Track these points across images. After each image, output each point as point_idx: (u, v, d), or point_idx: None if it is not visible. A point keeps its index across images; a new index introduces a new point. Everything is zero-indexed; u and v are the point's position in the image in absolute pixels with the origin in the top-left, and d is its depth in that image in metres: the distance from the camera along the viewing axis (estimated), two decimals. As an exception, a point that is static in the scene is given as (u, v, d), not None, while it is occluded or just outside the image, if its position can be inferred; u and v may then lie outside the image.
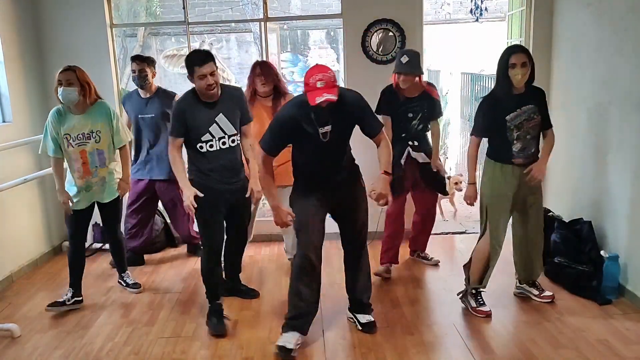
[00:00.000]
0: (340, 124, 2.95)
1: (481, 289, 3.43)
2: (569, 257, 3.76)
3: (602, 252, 3.64)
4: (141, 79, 4.11)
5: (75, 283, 3.69)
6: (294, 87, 10.18)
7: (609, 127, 3.70)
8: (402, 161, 3.86)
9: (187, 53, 3.27)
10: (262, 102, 3.94)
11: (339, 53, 9.73)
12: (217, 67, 3.18)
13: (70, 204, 3.53)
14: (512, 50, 3.21)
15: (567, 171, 4.32)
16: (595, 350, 2.93)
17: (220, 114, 3.23)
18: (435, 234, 4.88)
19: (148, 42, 9.90)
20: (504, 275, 3.73)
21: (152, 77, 4.14)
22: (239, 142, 3.35)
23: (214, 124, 3.22)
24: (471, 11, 6.30)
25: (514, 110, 3.22)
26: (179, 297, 3.83)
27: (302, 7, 9.76)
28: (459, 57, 10.44)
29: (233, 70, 10.03)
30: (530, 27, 4.57)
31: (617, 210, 3.61)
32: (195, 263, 4.47)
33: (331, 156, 3.05)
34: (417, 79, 3.76)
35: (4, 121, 4.31)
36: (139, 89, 4.21)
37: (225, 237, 3.46)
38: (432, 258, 4.25)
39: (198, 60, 3.11)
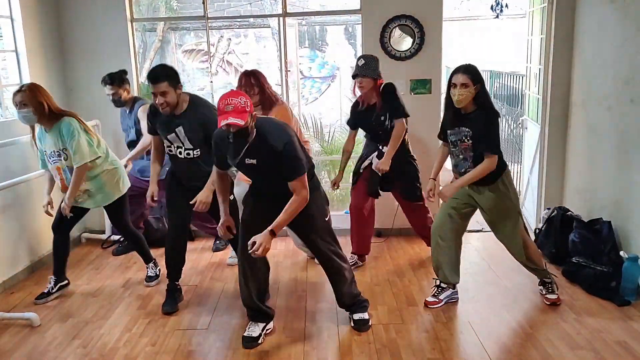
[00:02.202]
0: (265, 161, 2.84)
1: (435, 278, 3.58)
2: (587, 257, 3.72)
3: (621, 253, 3.59)
4: (116, 102, 4.27)
5: (57, 270, 3.78)
6: (312, 83, 10.20)
7: (630, 126, 3.64)
8: (366, 163, 4.02)
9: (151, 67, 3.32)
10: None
11: (357, 49, 9.70)
12: (176, 87, 3.17)
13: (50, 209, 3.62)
14: (455, 70, 3.17)
15: (587, 170, 4.27)
16: (614, 351, 2.89)
17: (181, 127, 3.29)
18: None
19: (167, 36, 9.97)
20: (521, 274, 3.70)
21: (127, 94, 4.26)
22: (198, 156, 3.36)
23: (173, 134, 3.31)
24: (492, 7, 6.23)
25: (452, 128, 3.26)
26: (196, 289, 3.86)
27: (320, 3, 9.75)
28: (479, 54, 10.35)
29: (251, 66, 10.05)
30: (551, 23, 4.51)
31: (638, 210, 3.55)
32: (211, 257, 4.51)
33: (269, 185, 3.02)
34: (375, 84, 3.77)
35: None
36: None
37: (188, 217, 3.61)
38: None
39: (150, 77, 3.15)
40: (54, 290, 3.75)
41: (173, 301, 3.58)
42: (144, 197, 3.68)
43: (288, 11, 4.77)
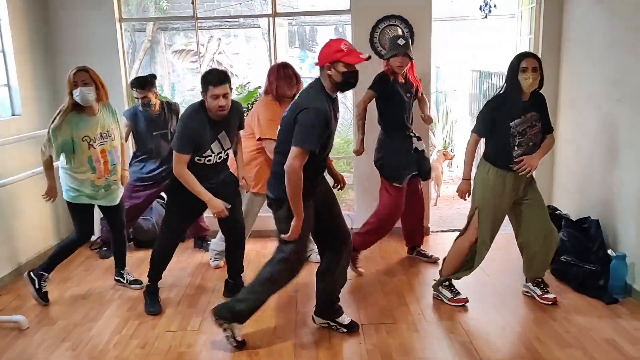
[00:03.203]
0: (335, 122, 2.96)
1: (453, 279, 3.53)
2: (576, 256, 3.74)
3: (609, 251, 3.62)
4: (145, 106, 4.17)
5: (52, 268, 3.76)
6: (304, 82, 10.19)
7: (618, 125, 3.68)
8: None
9: (205, 71, 3.26)
10: (287, 103, 3.83)
11: (347, 49, 9.70)
12: (231, 89, 3.20)
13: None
14: (523, 55, 3.21)
15: (576, 169, 4.30)
16: (602, 349, 2.92)
17: (223, 131, 3.31)
18: (437, 231, 4.88)
19: (157, 37, 9.92)
20: (510, 274, 3.72)
21: (155, 97, 4.19)
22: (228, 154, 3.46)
23: (216, 141, 3.31)
24: (480, 8, 6.25)
25: (518, 117, 3.22)
26: (186, 291, 3.84)
27: (310, 3, 9.75)
28: (468, 54, 10.38)
29: (241, 66, 10.03)
30: (540, 24, 4.55)
31: (626, 209, 3.58)
32: (202, 257, 4.49)
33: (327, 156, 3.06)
34: (408, 65, 3.83)
35: (13, 114, 4.33)
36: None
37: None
38: (431, 255, 4.23)
39: (214, 80, 3.11)
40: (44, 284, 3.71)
41: (157, 302, 3.57)
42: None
43: (278, 11, 4.76)
